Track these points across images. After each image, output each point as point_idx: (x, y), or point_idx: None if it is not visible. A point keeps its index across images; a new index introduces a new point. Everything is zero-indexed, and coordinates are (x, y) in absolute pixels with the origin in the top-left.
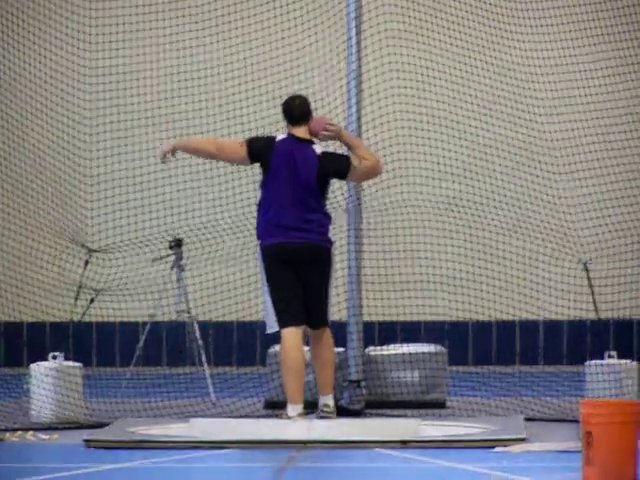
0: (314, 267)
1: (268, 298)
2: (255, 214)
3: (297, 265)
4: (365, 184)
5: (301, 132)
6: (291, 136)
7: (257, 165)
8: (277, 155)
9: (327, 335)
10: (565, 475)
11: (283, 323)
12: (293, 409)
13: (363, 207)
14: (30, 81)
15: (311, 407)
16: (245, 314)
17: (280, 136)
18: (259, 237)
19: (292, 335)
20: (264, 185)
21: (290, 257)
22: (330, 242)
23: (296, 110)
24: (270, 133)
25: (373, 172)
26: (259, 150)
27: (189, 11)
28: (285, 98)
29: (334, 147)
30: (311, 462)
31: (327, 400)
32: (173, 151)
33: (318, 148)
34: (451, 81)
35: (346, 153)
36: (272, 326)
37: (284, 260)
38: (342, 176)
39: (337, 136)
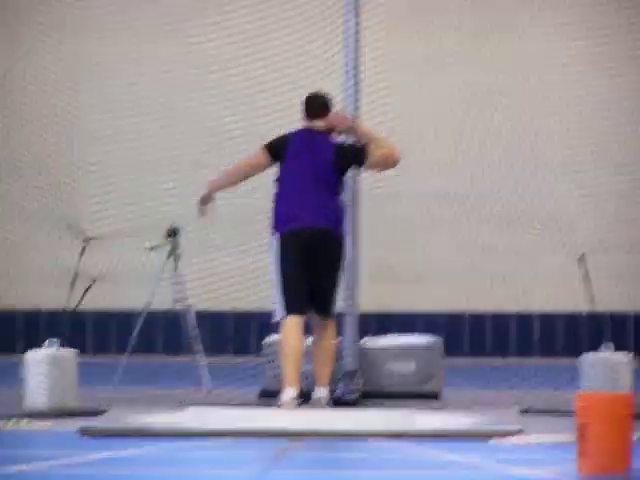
0: (328, 255)
1: (279, 286)
2: (249, 201)
3: (311, 251)
4: (363, 174)
5: (318, 125)
6: (307, 128)
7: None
8: (292, 146)
9: (332, 327)
10: (560, 467)
11: (287, 311)
12: (288, 392)
13: (361, 197)
14: (23, 70)
15: (306, 397)
16: (241, 303)
17: (294, 129)
18: (275, 227)
19: (293, 323)
20: (281, 177)
21: (305, 243)
22: (344, 234)
23: (317, 103)
24: (266, 120)
25: (391, 159)
26: (277, 147)
27: (183, 8)
28: (278, 89)
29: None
30: (306, 452)
31: (322, 392)
32: (210, 198)
33: (334, 138)
34: (449, 73)
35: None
36: (279, 315)
37: (299, 247)
38: (359, 162)
39: (352, 129)
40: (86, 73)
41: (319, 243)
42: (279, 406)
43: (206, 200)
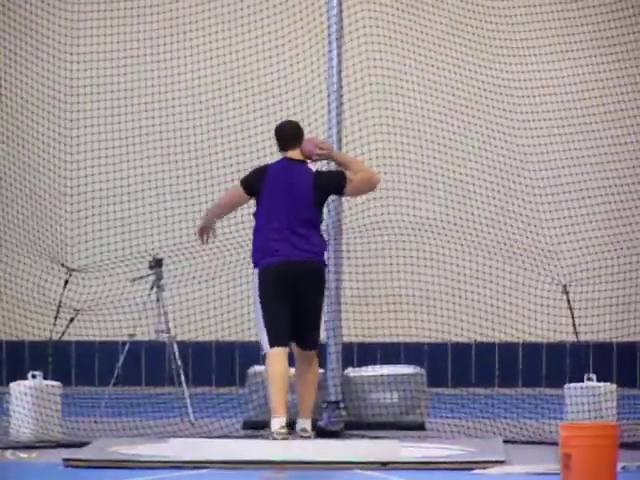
0: (310, 287)
1: (261, 320)
2: (234, 234)
3: (293, 285)
4: (345, 205)
5: (294, 154)
6: (284, 159)
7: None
8: (269, 180)
9: (314, 358)
10: None
11: (271, 343)
12: (276, 421)
13: (343, 228)
14: (7, 98)
15: (291, 427)
16: (224, 334)
17: (272, 162)
18: (256, 262)
19: (278, 354)
20: (259, 211)
21: (287, 276)
22: (325, 264)
23: (287, 134)
24: (251, 149)
25: (369, 184)
26: (252, 183)
27: (169, 24)
28: (263, 118)
29: (327, 167)
30: None
31: (305, 424)
32: (209, 226)
33: (313, 166)
34: (432, 102)
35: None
36: (265, 348)
37: (281, 280)
38: (339, 190)
39: (328, 156)
40: (69, 100)
41: (302, 277)
42: (271, 436)
43: (205, 229)
